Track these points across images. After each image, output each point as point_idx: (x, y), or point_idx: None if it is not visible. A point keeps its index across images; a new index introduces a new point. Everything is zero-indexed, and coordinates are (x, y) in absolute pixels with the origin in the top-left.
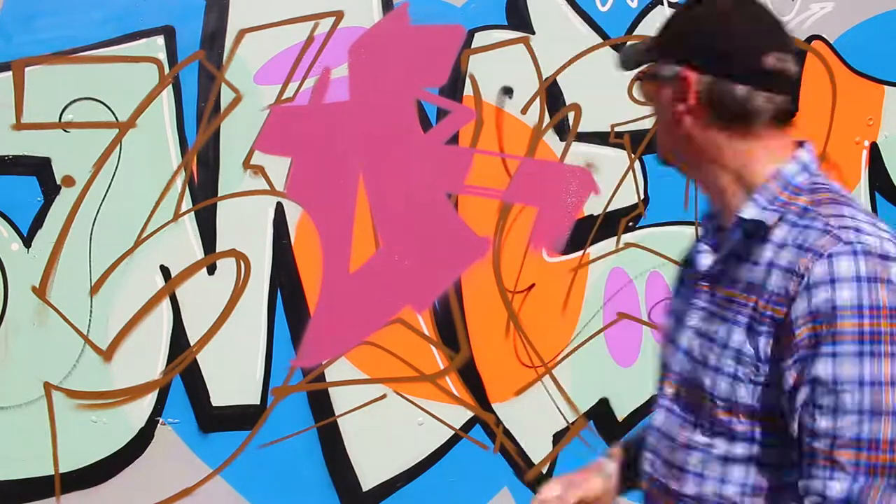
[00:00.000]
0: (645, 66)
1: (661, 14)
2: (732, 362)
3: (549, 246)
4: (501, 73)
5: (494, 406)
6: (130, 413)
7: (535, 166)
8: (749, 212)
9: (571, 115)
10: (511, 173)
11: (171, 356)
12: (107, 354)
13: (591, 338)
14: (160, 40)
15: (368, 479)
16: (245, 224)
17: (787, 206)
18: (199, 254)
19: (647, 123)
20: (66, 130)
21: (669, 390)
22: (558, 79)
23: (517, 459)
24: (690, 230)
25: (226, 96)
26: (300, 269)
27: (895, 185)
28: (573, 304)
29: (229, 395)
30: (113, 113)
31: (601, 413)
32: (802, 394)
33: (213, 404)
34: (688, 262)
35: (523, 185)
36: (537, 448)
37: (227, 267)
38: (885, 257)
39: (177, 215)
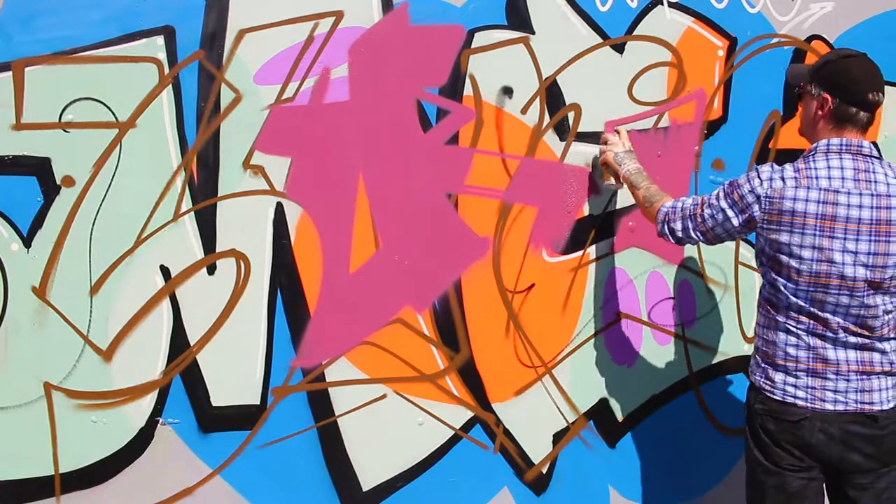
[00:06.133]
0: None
1: (661, 14)
2: None
3: (549, 246)
4: (501, 73)
5: (494, 406)
6: (130, 413)
7: (535, 166)
8: None
9: (571, 115)
10: (511, 173)
11: (171, 356)
12: (107, 354)
13: (591, 338)
14: (160, 40)
15: (368, 479)
16: (245, 224)
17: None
18: (199, 254)
19: (647, 123)
20: (66, 130)
21: None
22: (558, 79)
23: (517, 459)
24: None
25: (226, 96)
26: (300, 269)
27: None
28: (573, 304)
29: (229, 395)
30: (113, 113)
31: (601, 413)
32: None
33: (213, 404)
34: None
35: (523, 185)
36: (537, 448)
37: (227, 267)
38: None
39: (177, 215)
